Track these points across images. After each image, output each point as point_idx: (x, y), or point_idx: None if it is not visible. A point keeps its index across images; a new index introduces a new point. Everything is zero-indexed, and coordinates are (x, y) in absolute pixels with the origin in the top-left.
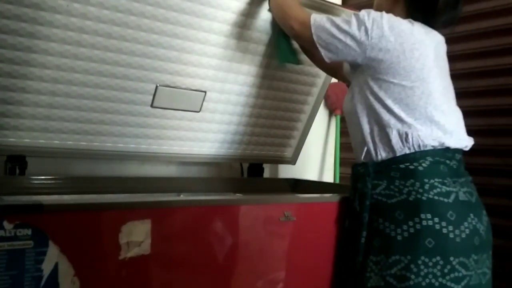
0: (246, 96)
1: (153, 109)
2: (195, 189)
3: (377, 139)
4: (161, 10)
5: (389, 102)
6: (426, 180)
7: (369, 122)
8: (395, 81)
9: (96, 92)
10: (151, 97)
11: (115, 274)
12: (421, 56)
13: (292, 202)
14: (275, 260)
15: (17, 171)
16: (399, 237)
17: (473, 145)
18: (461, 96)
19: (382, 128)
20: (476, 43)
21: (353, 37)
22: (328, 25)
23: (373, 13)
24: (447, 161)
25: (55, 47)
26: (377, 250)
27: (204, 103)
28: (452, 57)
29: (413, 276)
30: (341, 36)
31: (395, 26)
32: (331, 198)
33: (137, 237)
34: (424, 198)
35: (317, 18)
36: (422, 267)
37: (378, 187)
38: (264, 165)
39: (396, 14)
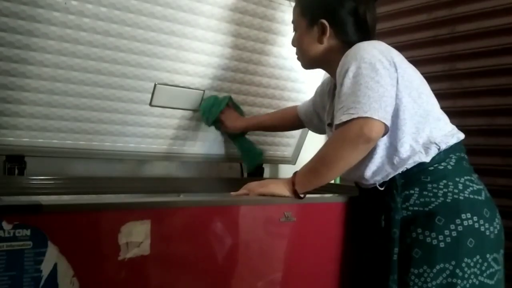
0: (245, 95)
1: (151, 108)
2: (195, 189)
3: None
4: (158, 8)
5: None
6: (457, 179)
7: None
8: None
9: (94, 91)
10: (149, 96)
11: (115, 274)
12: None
13: (292, 203)
14: (275, 261)
15: (16, 171)
16: (441, 244)
17: (474, 145)
18: (461, 96)
19: (396, 144)
20: (477, 43)
21: (388, 78)
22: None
23: (370, 57)
24: (465, 156)
25: (53, 44)
26: (418, 261)
27: None
28: (452, 57)
29: (459, 281)
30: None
31: (383, 47)
32: (331, 198)
33: (136, 237)
34: (461, 197)
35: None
36: (466, 269)
37: (411, 198)
38: (264, 165)
39: (333, 47)
